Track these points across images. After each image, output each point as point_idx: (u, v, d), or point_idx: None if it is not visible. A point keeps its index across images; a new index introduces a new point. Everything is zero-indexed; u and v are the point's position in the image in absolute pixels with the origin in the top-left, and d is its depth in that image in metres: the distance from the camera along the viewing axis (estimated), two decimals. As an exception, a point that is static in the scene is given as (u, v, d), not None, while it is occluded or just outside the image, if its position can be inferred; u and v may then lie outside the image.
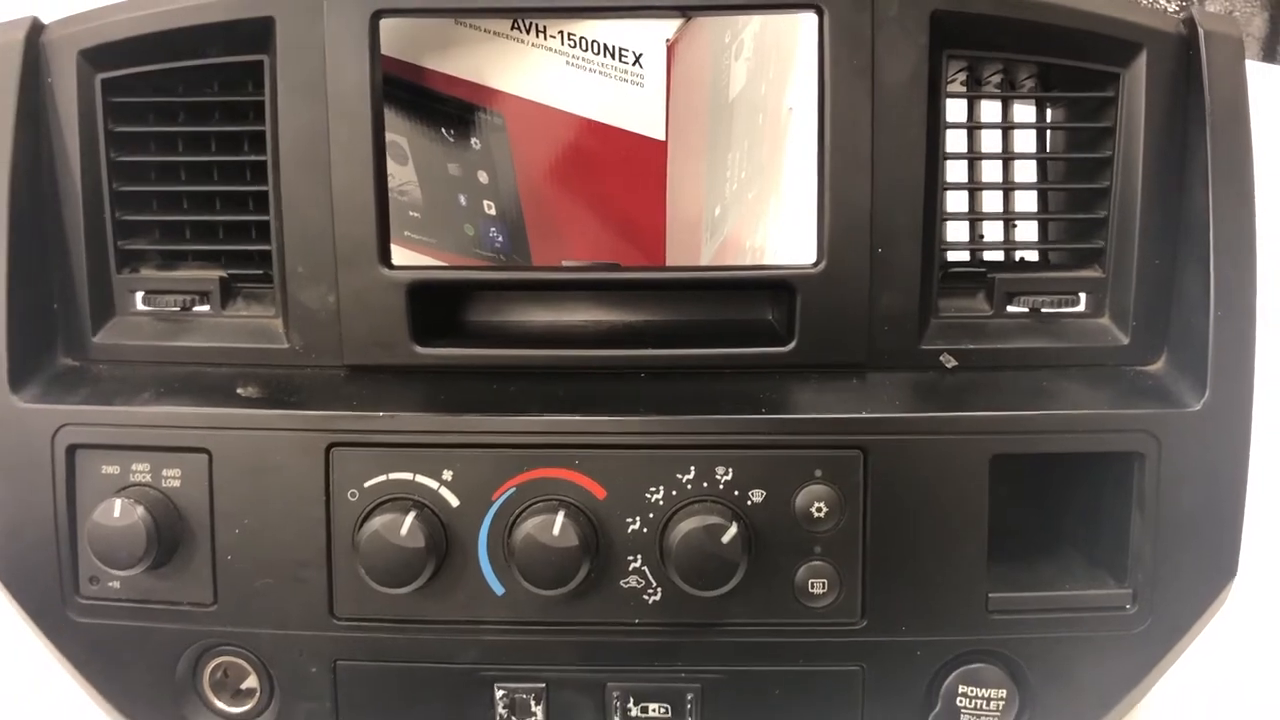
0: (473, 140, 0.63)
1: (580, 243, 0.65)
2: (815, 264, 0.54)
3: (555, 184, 0.62)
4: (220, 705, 0.56)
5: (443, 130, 0.63)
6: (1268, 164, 0.91)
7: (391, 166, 0.65)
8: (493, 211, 0.66)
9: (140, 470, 0.53)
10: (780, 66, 0.70)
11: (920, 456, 0.52)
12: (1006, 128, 0.57)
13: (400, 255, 0.56)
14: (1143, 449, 0.52)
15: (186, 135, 0.57)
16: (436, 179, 0.66)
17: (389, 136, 0.61)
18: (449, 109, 0.62)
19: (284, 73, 0.54)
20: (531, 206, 0.64)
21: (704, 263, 0.66)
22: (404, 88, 0.62)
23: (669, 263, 0.63)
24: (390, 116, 0.62)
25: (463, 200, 0.66)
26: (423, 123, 0.64)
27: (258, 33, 0.54)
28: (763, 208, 0.75)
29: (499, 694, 0.54)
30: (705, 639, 0.53)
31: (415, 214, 0.68)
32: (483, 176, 0.64)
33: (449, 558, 0.52)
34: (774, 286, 0.56)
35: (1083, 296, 0.56)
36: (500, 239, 0.67)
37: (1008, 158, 0.57)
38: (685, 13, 0.56)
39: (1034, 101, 0.58)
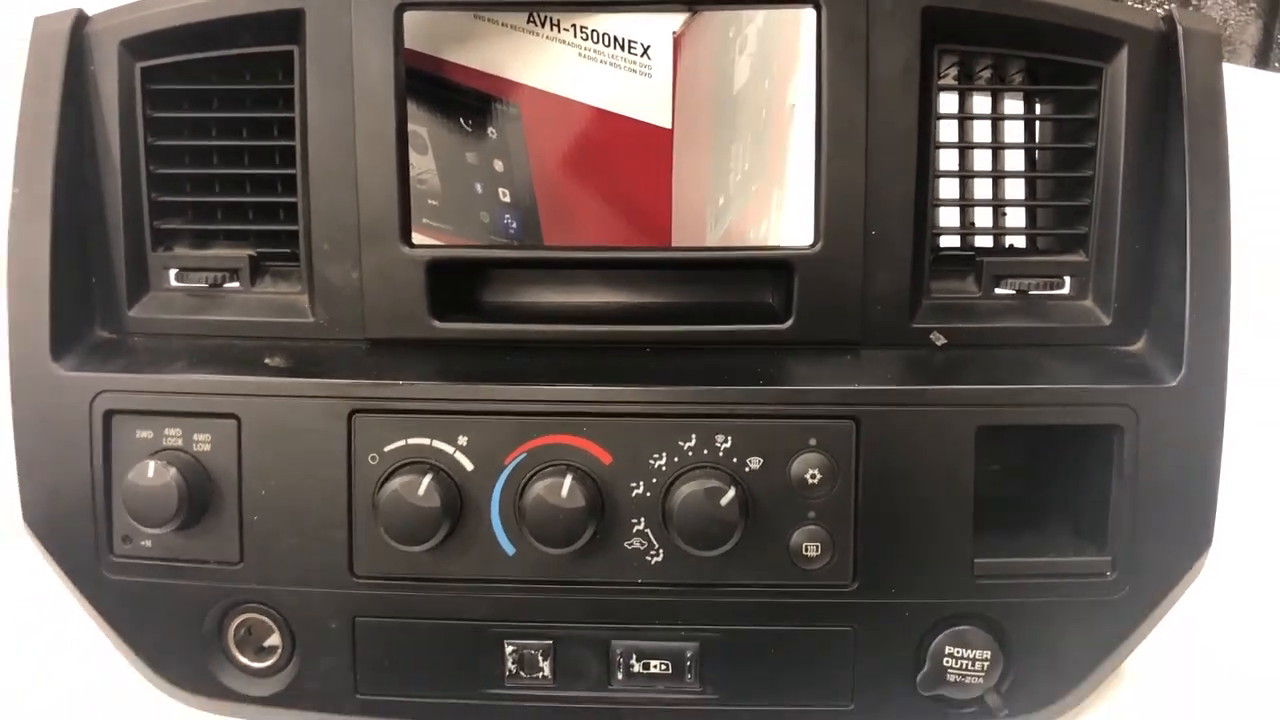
0: (489, 130, 0.66)
1: (590, 229, 0.67)
2: (812, 245, 0.57)
3: (567, 172, 0.66)
4: (244, 660, 0.59)
5: (461, 120, 0.66)
6: (1260, 166, 0.94)
7: (412, 156, 0.68)
8: (508, 199, 0.69)
9: (173, 435, 0.57)
10: (784, 64, 0.73)
11: (909, 427, 0.55)
12: (995, 119, 0.60)
13: (419, 241, 0.59)
14: (1122, 422, 0.55)
15: (220, 121, 0.61)
16: (454, 168, 0.69)
17: (410, 127, 0.64)
18: (467, 100, 0.65)
19: (313, 62, 0.57)
20: (544, 194, 0.67)
21: (708, 249, 0.69)
22: (425, 80, 0.65)
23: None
24: (411, 108, 0.66)
25: (479, 188, 0.69)
26: (442, 114, 0.67)
27: (288, 24, 0.58)
28: (766, 201, 0.78)
29: (509, 649, 0.57)
30: (704, 599, 0.56)
31: (434, 202, 0.71)
32: (498, 165, 0.67)
33: (463, 519, 0.55)
34: (773, 266, 0.59)
35: (1067, 280, 0.59)
36: (514, 225, 0.70)
37: (997, 147, 0.60)
38: (691, 7, 0.59)
39: (1022, 94, 0.61)
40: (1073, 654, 0.57)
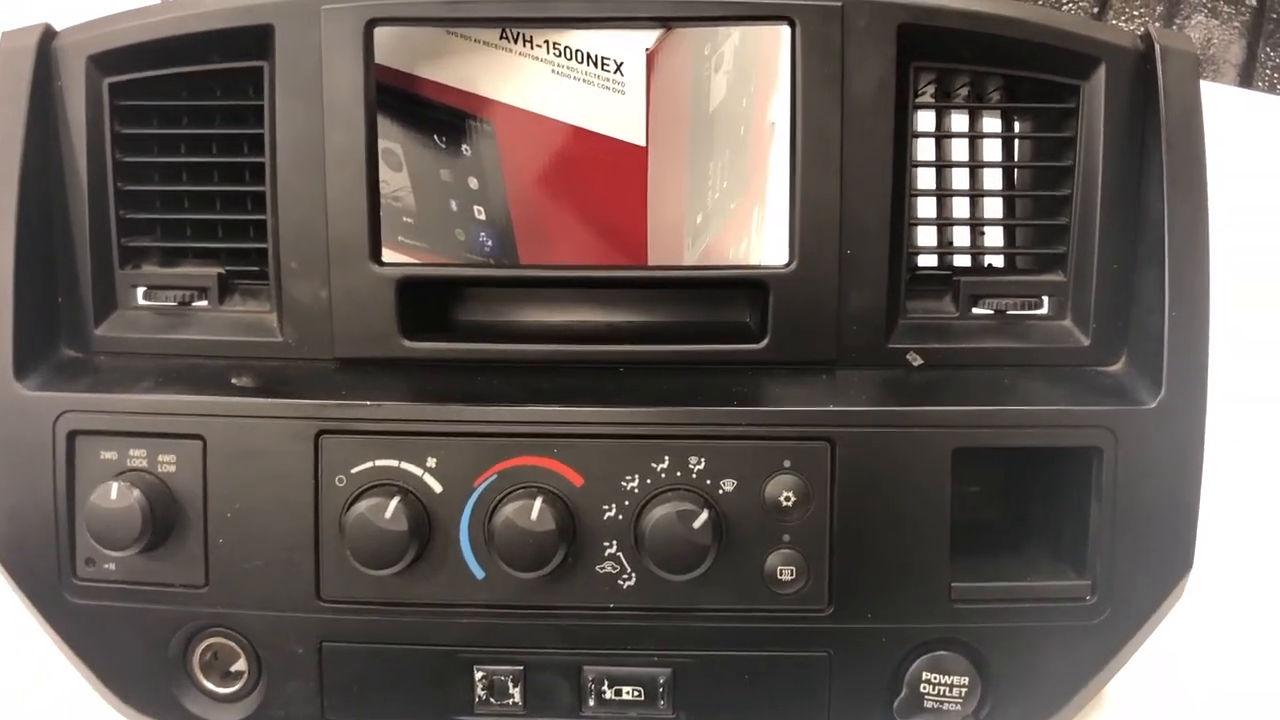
0: (464, 147, 0.65)
1: (566, 248, 0.67)
2: (787, 264, 0.56)
3: (542, 189, 0.65)
4: (210, 686, 0.58)
5: (435, 137, 0.66)
6: (1243, 184, 0.94)
7: (385, 173, 0.68)
8: (483, 216, 0.68)
9: (137, 456, 0.56)
10: (763, 81, 0.73)
11: (885, 449, 0.54)
12: (973, 137, 0.60)
13: (393, 259, 0.58)
14: (1100, 444, 0.54)
15: (189, 137, 0.60)
16: (429, 185, 0.68)
17: (384, 144, 0.64)
18: (441, 116, 0.64)
19: (282, 78, 0.57)
20: (519, 211, 0.66)
21: (685, 268, 0.69)
22: (399, 96, 0.65)
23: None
24: (385, 124, 0.65)
25: (454, 206, 0.68)
26: (416, 130, 0.66)
27: (258, 40, 0.57)
28: (746, 220, 0.78)
29: (478, 675, 0.56)
30: (678, 624, 0.55)
31: (409, 220, 0.71)
32: (473, 182, 0.67)
33: (432, 542, 0.54)
34: (747, 285, 0.58)
35: (1045, 300, 0.59)
36: (490, 244, 0.69)
37: (974, 166, 0.60)
38: (664, 23, 0.59)
39: (1000, 112, 0.61)
40: (1052, 679, 0.56)
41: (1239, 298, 0.88)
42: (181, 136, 0.60)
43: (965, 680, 0.55)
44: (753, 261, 0.78)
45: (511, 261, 0.68)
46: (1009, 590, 0.56)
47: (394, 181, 0.68)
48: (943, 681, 0.55)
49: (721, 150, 0.70)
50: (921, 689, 0.55)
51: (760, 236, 0.79)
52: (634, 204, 0.62)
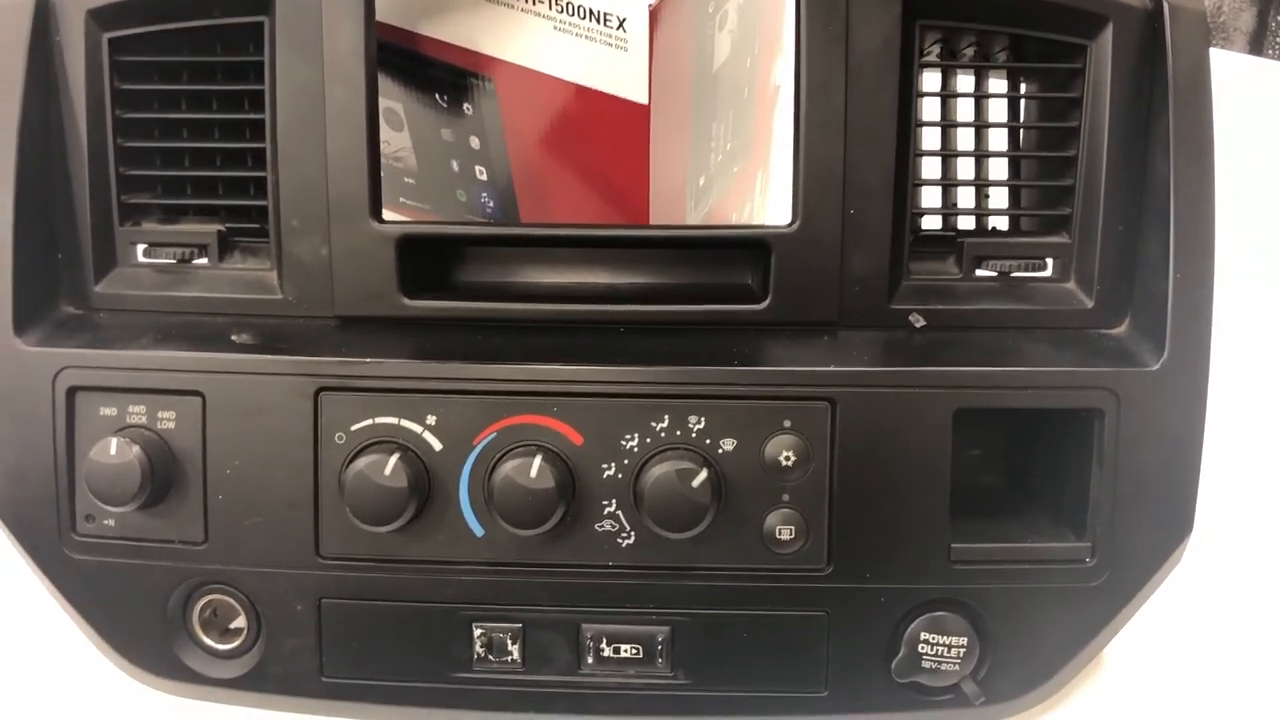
0: (465, 106, 0.65)
1: (567, 208, 0.67)
2: (790, 224, 0.56)
3: (543, 149, 0.65)
4: (209, 642, 0.58)
5: (436, 96, 0.65)
6: (1253, 153, 0.94)
7: (387, 133, 0.67)
8: (484, 177, 0.68)
9: (137, 412, 0.56)
10: (768, 43, 0.72)
11: (886, 409, 0.54)
12: (978, 97, 0.59)
13: (392, 218, 0.58)
14: (1102, 406, 0.54)
15: (189, 94, 0.59)
16: (430, 145, 0.68)
17: (385, 103, 0.63)
18: (442, 74, 0.64)
19: (282, 33, 0.56)
20: (521, 171, 0.66)
21: (688, 230, 0.68)
22: (399, 54, 0.64)
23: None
24: (386, 83, 0.65)
25: (455, 166, 0.68)
26: (417, 89, 0.66)
27: (258, -6, 0.56)
28: (750, 183, 0.77)
29: (477, 633, 0.56)
30: (676, 582, 0.55)
31: (410, 180, 0.70)
32: (474, 142, 0.66)
33: (431, 499, 0.54)
34: (750, 245, 0.58)
35: (1050, 261, 0.58)
36: (491, 204, 0.69)
37: (979, 126, 0.59)
38: (667, -21, 0.58)
39: (1006, 72, 0.60)
40: (1051, 641, 0.56)
41: (1244, 266, 0.87)
42: (182, 93, 0.59)
43: (964, 641, 0.55)
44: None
45: (513, 222, 0.68)
46: (1008, 552, 0.55)
47: (395, 141, 0.68)
48: (941, 642, 0.55)
49: (725, 111, 0.69)
50: (920, 649, 0.55)
51: (764, 201, 0.79)
52: (636, 164, 0.62)
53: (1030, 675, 0.57)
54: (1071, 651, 0.56)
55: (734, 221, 0.76)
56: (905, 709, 0.57)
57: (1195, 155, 0.55)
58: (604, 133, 0.62)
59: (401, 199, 0.71)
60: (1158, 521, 0.55)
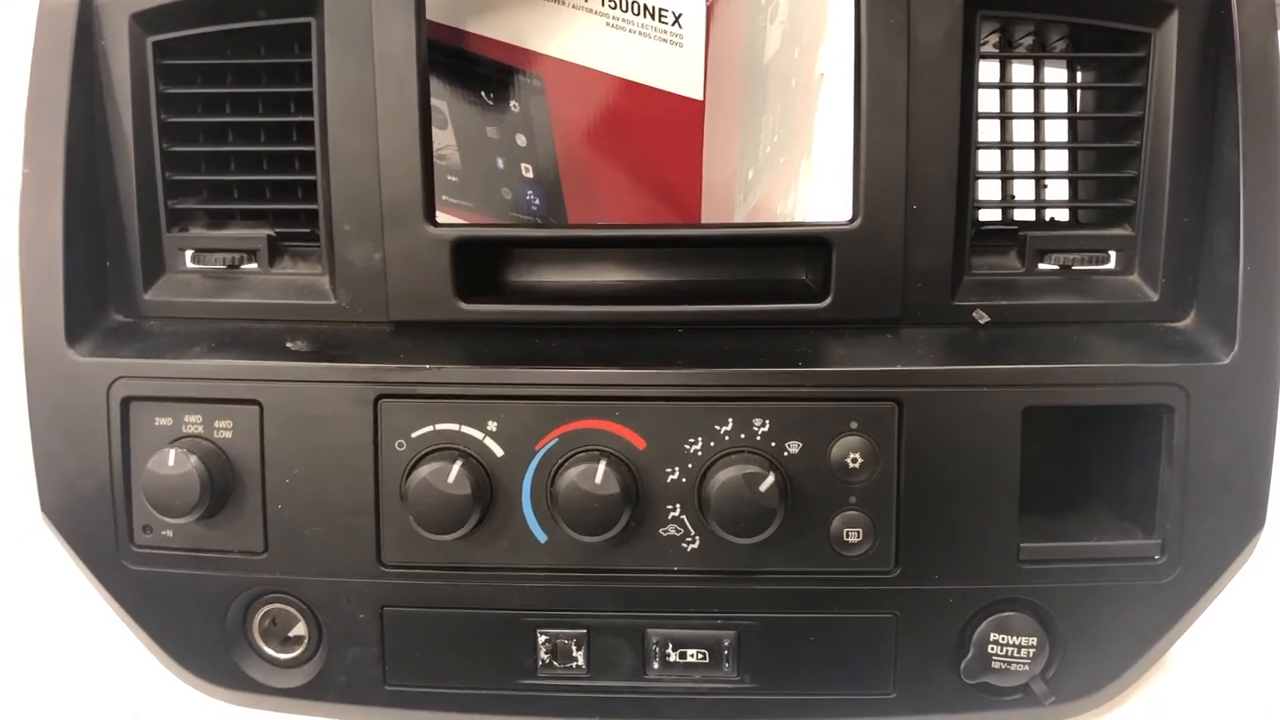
0: (511, 103, 0.64)
1: (616, 205, 0.66)
2: (851, 220, 0.55)
3: (592, 146, 0.64)
4: (270, 652, 0.58)
5: (482, 93, 0.64)
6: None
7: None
8: (530, 175, 0.67)
9: (193, 422, 0.55)
10: (813, 32, 0.71)
11: (953, 408, 0.53)
12: (1038, 88, 0.58)
13: (440, 220, 0.57)
14: (1171, 402, 0.53)
15: (235, 97, 0.59)
16: (475, 143, 0.67)
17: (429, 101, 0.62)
18: (488, 72, 0.63)
19: (331, 34, 0.55)
20: (568, 169, 0.65)
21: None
22: (444, 52, 0.63)
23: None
24: (431, 81, 0.64)
25: (500, 164, 0.67)
26: (462, 87, 0.65)
27: (305, -5, 0.55)
28: (793, 173, 0.76)
29: (541, 639, 0.55)
30: (742, 586, 0.54)
31: (453, 178, 0.70)
32: (521, 140, 0.65)
33: (494, 506, 0.54)
34: (810, 243, 0.57)
35: (1113, 254, 0.57)
36: (537, 202, 0.68)
37: (1039, 117, 0.58)
38: (724, -26, 0.57)
39: (1065, 62, 0.59)
40: (1120, 640, 0.56)
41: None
42: (227, 96, 0.59)
43: (1033, 641, 0.55)
44: (801, 215, 0.77)
45: (560, 220, 0.67)
46: (1077, 550, 0.55)
47: (440, 139, 0.67)
48: (1010, 642, 0.55)
49: (774, 103, 0.68)
50: (989, 650, 0.55)
51: (807, 190, 0.78)
52: (690, 160, 0.61)
53: (1099, 674, 0.56)
54: (1140, 650, 0.56)
55: (778, 213, 0.75)
56: (974, 709, 0.56)
57: (1265, 143, 0.54)
58: (656, 129, 0.61)
59: (444, 197, 0.70)
60: (1228, 518, 0.54)
